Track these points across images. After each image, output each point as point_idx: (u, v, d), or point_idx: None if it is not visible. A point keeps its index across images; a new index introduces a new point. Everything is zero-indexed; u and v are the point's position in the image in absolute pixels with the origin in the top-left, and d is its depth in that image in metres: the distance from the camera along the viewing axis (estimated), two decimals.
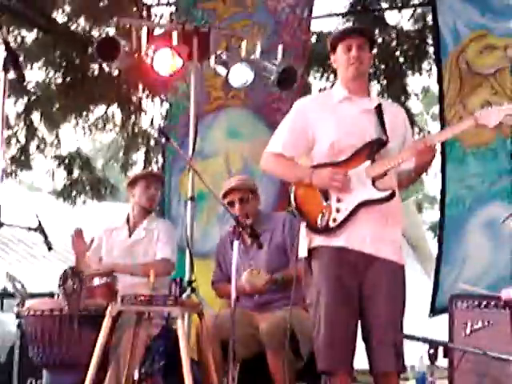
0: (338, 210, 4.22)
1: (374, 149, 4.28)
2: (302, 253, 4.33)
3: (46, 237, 5.17)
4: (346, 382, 4.27)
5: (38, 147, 11.39)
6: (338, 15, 9.87)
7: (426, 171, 4.74)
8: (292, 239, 4.97)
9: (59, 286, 4.94)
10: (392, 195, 4.20)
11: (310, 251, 4.27)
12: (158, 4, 10.02)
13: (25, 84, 10.92)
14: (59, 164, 11.53)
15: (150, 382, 4.88)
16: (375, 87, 9.58)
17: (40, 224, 5.18)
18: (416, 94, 10.43)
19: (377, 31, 9.59)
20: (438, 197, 7.57)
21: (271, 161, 4.51)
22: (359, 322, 4.24)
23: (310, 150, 4.42)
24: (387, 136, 4.29)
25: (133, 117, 10.94)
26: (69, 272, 4.94)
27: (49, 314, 4.92)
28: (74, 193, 11.68)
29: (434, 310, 6.67)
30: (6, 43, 3.95)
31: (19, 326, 5.51)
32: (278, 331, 4.82)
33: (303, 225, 4.34)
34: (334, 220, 4.21)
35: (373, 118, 4.37)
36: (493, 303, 4.15)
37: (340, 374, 4.25)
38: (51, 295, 5.41)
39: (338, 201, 4.23)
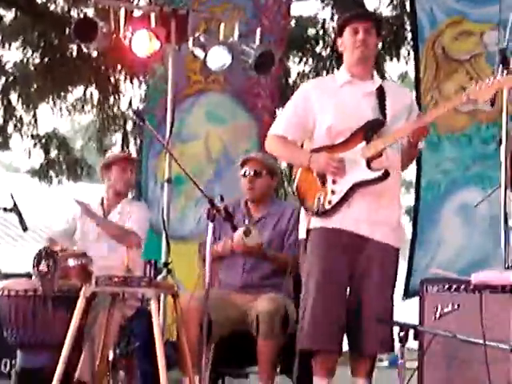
0: (333, 192, 4.34)
1: (370, 130, 4.39)
2: (302, 235, 4.44)
3: (21, 217, 5.17)
4: (329, 362, 4.40)
5: (15, 127, 11.37)
6: (317, 0, 9.91)
7: (418, 153, 4.84)
8: (294, 228, 4.99)
9: (33, 266, 4.95)
10: (386, 175, 4.30)
11: (307, 232, 4.29)
12: None
13: (2, 63, 11.01)
14: (35, 144, 11.52)
15: (125, 363, 4.91)
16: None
17: (15, 204, 5.17)
18: (393, 80, 10.40)
19: None
20: (414, 182, 7.61)
21: (274, 143, 4.64)
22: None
23: (312, 134, 4.53)
24: (386, 117, 4.41)
25: (111, 98, 10.95)
26: (43, 253, 4.95)
27: (23, 294, 4.94)
28: (50, 173, 11.67)
29: (407, 294, 6.71)
30: None
31: None
32: (276, 314, 4.86)
33: (302, 208, 4.48)
34: (330, 202, 4.34)
35: (373, 100, 4.47)
36: (463, 287, 4.17)
37: (325, 353, 4.37)
38: (28, 276, 5.35)
39: (334, 183, 4.36)
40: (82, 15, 9.47)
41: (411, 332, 4.27)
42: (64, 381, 4.38)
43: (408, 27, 7.93)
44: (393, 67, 10.19)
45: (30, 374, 4.79)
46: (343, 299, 4.34)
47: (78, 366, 4.80)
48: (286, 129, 4.55)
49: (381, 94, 4.47)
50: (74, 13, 10.25)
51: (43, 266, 4.93)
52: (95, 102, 11.20)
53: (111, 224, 5.59)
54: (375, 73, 4.72)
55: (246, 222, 5.35)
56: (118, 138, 11.44)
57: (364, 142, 4.35)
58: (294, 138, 4.54)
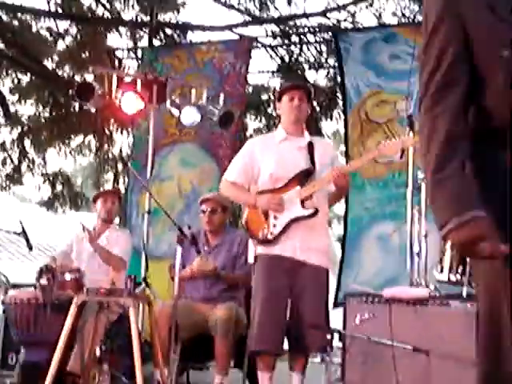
0: (274, 226, 4.41)
1: (303, 177, 4.47)
2: (250, 259, 4.52)
3: (27, 239, 5.18)
4: (271, 360, 4.42)
5: (28, 166, 11.34)
6: (268, 72, 9.98)
7: (345, 193, 4.89)
8: (243, 252, 4.99)
9: (36, 280, 4.95)
10: (316, 212, 4.40)
11: (255, 258, 4.45)
12: (128, 57, 10.02)
13: (19, 116, 11.01)
14: (44, 180, 11.50)
15: (109, 359, 4.87)
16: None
17: (23, 229, 5.18)
18: (329, 136, 10.47)
19: None
20: (343, 216, 7.66)
21: (227, 187, 4.73)
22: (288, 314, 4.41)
23: (256, 180, 4.58)
24: (315, 166, 4.47)
25: (105, 145, 10.94)
26: (44, 269, 4.96)
27: (27, 302, 4.99)
28: (56, 204, 11.67)
29: (336, 304, 6.69)
30: None
31: (3, 311, 5.44)
32: (231, 320, 4.86)
33: (250, 238, 4.55)
34: (272, 233, 4.41)
35: (305, 153, 4.54)
36: (377, 300, 4.21)
37: (268, 354, 4.39)
38: (33, 286, 5.35)
39: (275, 218, 4.42)
40: (82, 80, 9.45)
41: (336, 335, 4.33)
42: (58, 372, 4.36)
43: (339, 95, 7.90)
44: (328, 126, 10.26)
45: (31, 366, 4.77)
46: (284, 311, 4.37)
47: (70, 360, 4.79)
48: (236, 176, 4.65)
49: (310, 148, 4.56)
50: (77, 77, 10.21)
51: (44, 280, 4.93)
52: (93, 148, 11.22)
53: (104, 250, 5.54)
54: (306, 131, 4.76)
55: (206, 248, 5.37)
56: (110, 176, 11.41)
57: (299, 187, 4.43)
58: (243, 182, 4.63)
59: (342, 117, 7.77)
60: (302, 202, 4.40)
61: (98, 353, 4.81)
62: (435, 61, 1.90)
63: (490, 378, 1.94)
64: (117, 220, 8.17)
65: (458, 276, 4.68)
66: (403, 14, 9.59)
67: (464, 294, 4.48)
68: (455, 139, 1.85)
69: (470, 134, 1.89)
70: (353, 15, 9.77)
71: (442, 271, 4.73)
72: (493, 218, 1.77)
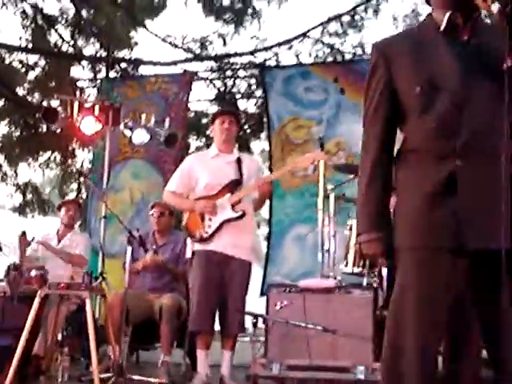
0: (209, 226, 4.43)
1: (233, 186, 4.50)
2: (188, 255, 4.53)
3: None
4: (207, 339, 4.39)
5: (2, 178, 11.12)
6: (207, 101, 9.99)
7: (266, 199, 4.91)
8: (185, 251, 4.92)
9: (4, 276, 4.86)
10: (243, 215, 4.43)
11: (193, 253, 4.45)
12: (88, 86, 9.89)
13: None
14: (16, 189, 11.32)
15: (69, 342, 4.79)
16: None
17: None
18: (257, 153, 10.52)
19: None
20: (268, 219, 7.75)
21: (169, 196, 4.72)
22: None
23: (193, 189, 4.59)
24: (242, 177, 4.52)
25: (69, 160, 10.83)
26: (11, 266, 4.87)
27: None
28: (27, 210, 11.49)
29: (262, 293, 6.71)
30: None
31: None
32: (174, 307, 4.83)
33: (189, 237, 4.54)
34: (207, 233, 4.42)
35: (234, 166, 4.56)
36: (294, 289, 4.25)
37: (204, 333, 4.37)
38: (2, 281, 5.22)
39: (210, 220, 4.44)
40: (48, 105, 9.30)
41: (261, 319, 4.34)
42: (25, 355, 4.22)
43: (265, 120, 7.93)
44: (256, 145, 10.28)
45: (1, 350, 4.57)
46: (216, 297, 4.35)
47: (35, 344, 4.68)
48: (176, 186, 4.65)
49: (239, 162, 4.60)
50: (44, 103, 10.03)
51: (11, 276, 4.84)
52: (58, 163, 11.03)
53: (63, 253, 5.49)
54: (235, 149, 4.80)
55: (154, 246, 5.33)
56: (74, 187, 11.27)
57: (229, 194, 4.45)
58: (182, 192, 4.63)
59: (267, 138, 7.75)
60: (232, 206, 4.42)
61: (59, 338, 4.74)
62: (369, 99, 2.09)
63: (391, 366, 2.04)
64: (79, 223, 8.18)
65: (360, 269, 4.78)
66: (316, 55, 9.69)
67: (364, 283, 4.58)
68: (378, 165, 2.04)
69: (392, 158, 2.06)
70: (276, 55, 9.84)
71: (346, 265, 4.82)
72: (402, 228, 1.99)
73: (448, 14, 1.92)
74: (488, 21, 2.03)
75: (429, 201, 1.92)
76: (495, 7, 1.76)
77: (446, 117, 1.90)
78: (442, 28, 1.94)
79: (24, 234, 5.58)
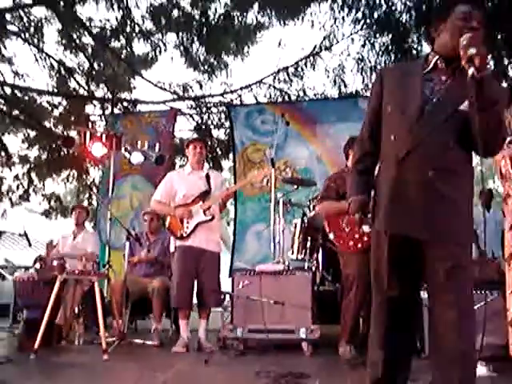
0: (187, 227, 4.32)
1: (203, 195, 4.38)
2: (172, 249, 4.39)
3: (28, 239, 4.91)
4: (186, 312, 4.29)
5: (33, 190, 10.89)
6: (189, 130, 9.92)
7: (226, 204, 4.82)
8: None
9: (33, 264, 4.73)
10: (212, 218, 4.34)
11: (175, 248, 4.33)
12: (98, 120, 9.74)
13: (28, 157, 10.61)
14: (44, 199, 11.11)
15: (83, 315, 4.70)
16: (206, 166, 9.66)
17: (25, 232, 4.91)
18: (227, 169, 10.45)
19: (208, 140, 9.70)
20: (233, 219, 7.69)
21: (155, 203, 4.58)
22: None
23: (173, 198, 4.46)
24: (211, 189, 4.42)
25: (83, 176, 10.71)
26: (38, 258, 4.75)
27: (27, 279, 4.67)
28: (52, 214, 11.30)
29: (230, 275, 6.62)
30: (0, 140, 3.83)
31: (13, 285, 5.12)
32: (163, 288, 4.71)
33: (171, 235, 4.42)
34: (185, 232, 4.32)
35: (204, 180, 4.46)
36: (252, 272, 4.20)
37: (184, 308, 4.27)
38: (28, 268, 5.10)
39: (187, 222, 4.33)
40: (67, 134, 9.17)
41: (228, 295, 4.28)
42: (49, 325, 4.11)
43: (231, 144, 7.85)
44: (225, 163, 10.23)
45: (31, 321, 4.43)
46: (192, 281, 4.26)
47: (57, 316, 4.53)
48: (160, 196, 4.53)
49: (207, 177, 4.50)
50: (65, 133, 9.87)
51: (38, 264, 4.71)
52: (75, 178, 10.87)
53: (77, 254, 5.27)
54: (205, 167, 4.71)
55: (147, 243, 5.26)
56: (87, 196, 11.12)
57: (201, 202, 4.36)
58: (165, 200, 4.51)
59: (233, 158, 7.69)
60: (204, 211, 4.33)
61: (76, 311, 4.66)
62: (365, 122, 2.12)
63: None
64: (92, 224, 8.02)
65: (302, 255, 4.75)
66: (270, 96, 9.72)
67: (305, 267, 4.54)
68: (360, 157, 2.11)
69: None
70: (240, 96, 9.85)
71: (292, 253, 4.78)
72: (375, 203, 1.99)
73: (436, 58, 1.91)
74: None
75: (388, 193, 1.93)
76: (470, 71, 1.67)
77: (403, 134, 1.89)
78: (429, 68, 1.92)
79: (51, 242, 5.50)
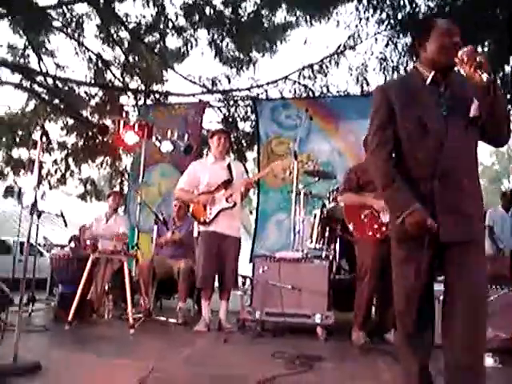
0: (210, 213, 4.30)
1: (226, 184, 4.36)
2: (195, 234, 4.39)
3: (64, 219, 5.00)
4: (208, 293, 4.30)
5: (70, 174, 11.10)
6: (216, 122, 9.91)
7: (248, 193, 4.79)
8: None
9: (68, 242, 4.81)
10: (234, 205, 4.33)
11: (198, 233, 4.32)
12: (132, 110, 9.77)
13: (66, 143, 10.81)
14: (80, 183, 11.31)
15: (113, 292, 4.77)
16: (232, 156, 9.66)
17: (62, 213, 4.99)
18: (251, 160, 10.42)
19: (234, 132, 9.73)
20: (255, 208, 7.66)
21: (180, 192, 4.55)
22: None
23: (197, 186, 4.44)
24: (233, 178, 4.38)
25: (116, 163, 10.83)
26: (73, 237, 4.83)
27: (63, 257, 4.76)
28: (87, 197, 11.48)
29: (251, 260, 6.64)
30: (42, 126, 3.86)
31: (50, 262, 5.23)
32: (188, 269, 4.77)
33: (195, 221, 4.41)
34: (208, 218, 4.30)
35: (226, 169, 4.43)
36: (272, 259, 4.19)
37: (207, 288, 4.29)
38: (65, 246, 5.19)
39: (210, 209, 4.31)
40: (103, 123, 9.28)
41: (248, 280, 4.29)
42: (82, 299, 4.21)
43: (256, 137, 7.80)
44: (250, 154, 10.18)
45: (66, 295, 4.54)
46: (216, 265, 4.25)
47: (89, 292, 4.63)
48: (184, 184, 4.50)
49: (229, 167, 4.47)
50: (101, 121, 9.99)
51: (72, 243, 4.79)
52: (109, 164, 11.01)
53: (111, 234, 5.30)
54: (227, 157, 4.68)
55: (173, 226, 5.30)
56: (119, 182, 11.27)
57: (224, 190, 4.35)
58: (189, 188, 4.48)
59: (258, 150, 7.65)
60: (226, 199, 4.32)
61: (106, 288, 4.73)
62: (375, 130, 1.99)
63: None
64: (123, 208, 8.11)
65: (320, 245, 4.73)
66: (294, 92, 9.64)
67: (323, 255, 4.52)
68: (389, 174, 1.93)
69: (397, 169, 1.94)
70: (266, 91, 9.79)
71: (311, 242, 4.76)
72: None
73: (433, 73, 1.93)
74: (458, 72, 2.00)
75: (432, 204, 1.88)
76: (484, 77, 1.78)
77: (431, 148, 1.88)
78: (428, 82, 1.94)
79: (84, 226, 5.57)
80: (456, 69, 1.95)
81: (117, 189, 10.66)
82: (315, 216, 4.84)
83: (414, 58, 2.06)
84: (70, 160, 11.04)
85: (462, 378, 1.79)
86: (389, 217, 2.08)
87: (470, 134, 1.90)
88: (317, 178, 5.29)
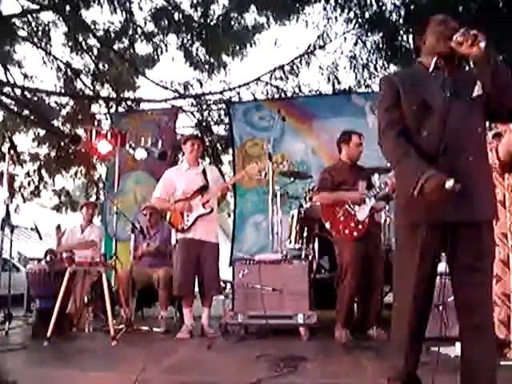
0: (187, 220, 4.25)
1: (202, 190, 4.32)
2: (173, 242, 4.33)
3: (38, 232, 4.88)
4: (189, 300, 4.27)
5: (44, 186, 10.88)
6: (190, 127, 9.85)
7: (226, 197, 4.77)
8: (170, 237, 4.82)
9: (44, 256, 4.70)
10: (211, 211, 4.28)
11: (176, 240, 4.27)
12: (104, 118, 9.68)
13: (39, 154, 10.58)
14: (54, 194, 11.09)
15: (93, 304, 4.68)
16: (207, 160, 9.61)
17: (36, 226, 4.88)
18: (227, 163, 10.36)
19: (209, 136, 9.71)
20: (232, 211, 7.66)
21: (156, 201, 4.50)
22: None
23: (173, 194, 4.39)
24: (208, 183, 4.34)
25: (91, 172, 10.68)
26: (49, 250, 4.72)
27: (39, 271, 4.61)
28: (63, 208, 11.26)
29: (230, 264, 6.61)
30: (10, 138, 3.79)
31: (26, 277, 5.09)
32: (167, 277, 4.63)
33: (173, 229, 4.36)
34: (186, 225, 4.25)
35: (201, 175, 4.38)
36: (252, 262, 4.17)
37: (186, 296, 4.25)
38: (41, 260, 5.06)
39: (187, 216, 4.27)
40: (75, 133, 9.14)
41: (229, 284, 4.26)
42: (60, 314, 4.07)
43: (231, 140, 7.79)
44: (225, 158, 10.12)
45: (43, 310, 4.42)
46: (194, 270, 4.20)
47: (68, 305, 4.53)
48: (160, 193, 4.45)
49: (204, 172, 4.43)
50: (72, 131, 9.83)
51: (49, 257, 4.67)
52: (83, 174, 10.84)
53: (80, 245, 5.22)
54: (200, 163, 4.59)
55: (148, 236, 5.23)
56: (95, 191, 11.09)
57: (200, 196, 4.31)
58: (166, 196, 4.43)
59: (232, 153, 7.63)
60: (203, 205, 4.28)
61: (85, 301, 4.64)
62: (383, 113, 2.03)
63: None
64: (100, 218, 8.00)
65: (299, 245, 4.74)
66: (267, 93, 9.71)
67: (302, 255, 4.54)
68: (403, 148, 1.93)
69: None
70: (238, 93, 9.84)
71: (290, 243, 4.77)
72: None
73: (435, 58, 1.98)
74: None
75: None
76: (482, 44, 1.82)
77: (435, 127, 1.91)
78: (431, 69, 2.00)
79: (59, 226, 5.44)
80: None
81: (93, 198, 10.51)
82: (293, 216, 4.85)
83: (415, 56, 2.11)
84: (43, 171, 10.82)
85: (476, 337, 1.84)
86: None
87: (475, 115, 1.95)
88: (292, 179, 5.31)
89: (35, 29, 9.49)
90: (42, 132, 10.55)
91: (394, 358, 1.97)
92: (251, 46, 9.98)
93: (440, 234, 1.89)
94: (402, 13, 7.70)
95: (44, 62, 9.66)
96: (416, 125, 1.94)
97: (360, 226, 3.89)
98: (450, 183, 1.75)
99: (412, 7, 7.45)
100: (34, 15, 9.42)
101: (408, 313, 1.91)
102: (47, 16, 9.87)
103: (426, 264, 1.90)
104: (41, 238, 4.97)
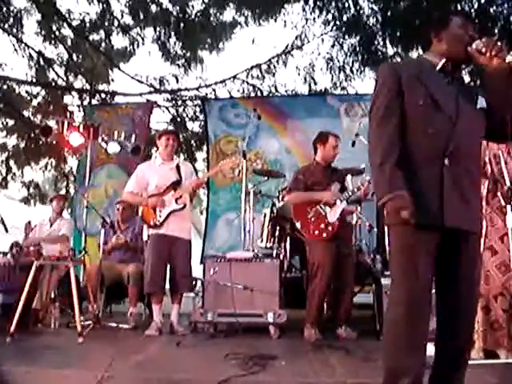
0: (160, 216, 4.20)
1: (174, 185, 4.27)
2: (145, 237, 4.29)
3: (4, 225, 4.72)
4: (159, 297, 4.21)
5: (12, 178, 10.57)
6: (164, 122, 9.75)
7: (197, 192, 4.71)
8: (141, 232, 4.73)
9: (9, 250, 4.57)
10: (184, 207, 4.24)
11: (148, 236, 4.22)
12: (76, 110, 9.48)
13: (7, 145, 10.30)
14: (23, 186, 10.79)
15: (59, 299, 4.58)
16: (182, 157, 9.50)
17: (1, 218, 4.72)
18: (201, 160, 10.28)
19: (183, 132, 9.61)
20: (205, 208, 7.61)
21: (128, 195, 4.42)
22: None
23: (146, 189, 4.33)
24: (181, 178, 4.30)
25: (61, 165, 10.44)
26: (14, 243, 4.60)
27: (3, 264, 4.49)
28: (31, 201, 10.98)
29: (201, 262, 6.56)
30: None
31: None
32: (138, 273, 4.58)
33: (145, 224, 4.31)
34: (158, 221, 4.20)
35: (175, 170, 4.33)
36: (223, 259, 4.16)
37: (156, 293, 4.19)
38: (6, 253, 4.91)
39: (160, 211, 4.22)
40: (45, 124, 8.87)
41: (200, 281, 4.24)
42: (26, 309, 3.98)
43: (205, 136, 7.73)
44: (199, 155, 10.03)
45: (7, 305, 4.29)
46: (165, 267, 4.17)
47: (34, 301, 4.41)
48: (133, 187, 4.38)
49: (178, 168, 4.38)
50: (43, 122, 9.56)
51: (14, 250, 4.55)
52: (54, 166, 10.57)
53: (49, 239, 5.14)
54: (175, 158, 4.53)
55: (118, 231, 5.14)
56: (64, 184, 10.85)
57: (173, 191, 4.26)
58: (138, 191, 4.37)
59: (207, 149, 7.58)
60: (176, 200, 4.24)
61: (52, 296, 4.54)
62: (381, 101, 1.89)
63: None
64: (69, 211, 7.83)
65: (271, 244, 4.74)
66: (243, 91, 9.64)
67: (274, 254, 4.53)
68: (390, 150, 1.82)
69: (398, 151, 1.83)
70: (214, 90, 9.74)
71: (262, 241, 4.77)
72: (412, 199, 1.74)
73: (444, 60, 1.93)
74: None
75: (440, 187, 1.80)
76: (509, 57, 1.78)
77: (444, 123, 1.83)
78: (438, 68, 1.93)
79: (29, 222, 5.33)
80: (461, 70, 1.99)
81: (63, 192, 10.27)
82: (265, 215, 4.85)
83: (421, 51, 2.04)
84: (12, 163, 10.53)
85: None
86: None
87: (481, 125, 1.91)
88: (265, 177, 5.31)
89: (6, 15, 9.20)
90: (11, 122, 10.26)
91: (404, 359, 1.79)
92: (228, 41, 9.92)
93: (440, 238, 1.82)
94: (380, 18, 7.78)
95: (15, 50, 9.33)
96: (421, 120, 1.84)
97: (330, 228, 3.92)
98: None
99: (389, 13, 7.54)
100: (6, 0, 9.14)
101: (425, 310, 1.80)
102: (20, 2, 9.61)
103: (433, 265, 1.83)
104: (7, 231, 4.81)
